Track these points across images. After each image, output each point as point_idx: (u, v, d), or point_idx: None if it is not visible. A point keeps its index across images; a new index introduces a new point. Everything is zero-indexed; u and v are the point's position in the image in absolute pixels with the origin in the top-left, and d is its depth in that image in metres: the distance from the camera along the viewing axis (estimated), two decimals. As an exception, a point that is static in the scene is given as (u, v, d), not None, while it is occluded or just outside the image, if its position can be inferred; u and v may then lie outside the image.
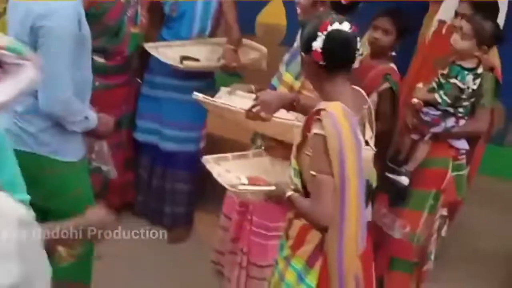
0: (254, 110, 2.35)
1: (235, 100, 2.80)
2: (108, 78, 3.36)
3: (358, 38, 2.02)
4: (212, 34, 3.62)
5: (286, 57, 2.88)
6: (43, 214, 1.97)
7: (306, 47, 2.02)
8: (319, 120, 1.95)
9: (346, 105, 1.98)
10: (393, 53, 2.99)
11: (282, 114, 2.44)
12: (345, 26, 1.98)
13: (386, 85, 2.93)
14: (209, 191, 3.62)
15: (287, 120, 2.50)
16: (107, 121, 2.59)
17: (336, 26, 1.97)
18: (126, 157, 3.73)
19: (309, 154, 1.99)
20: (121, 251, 2.87)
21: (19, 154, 1.66)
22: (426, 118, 2.99)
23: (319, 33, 1.97)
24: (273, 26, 4.45)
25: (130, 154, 3.79)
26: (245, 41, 3.52)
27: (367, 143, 2.16)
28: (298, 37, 2.88)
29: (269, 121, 2.36)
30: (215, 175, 2.53)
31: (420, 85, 3.07)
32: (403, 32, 2.97)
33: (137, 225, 3.43)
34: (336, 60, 2.00)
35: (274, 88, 2.86)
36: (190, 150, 3.66)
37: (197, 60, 3.50)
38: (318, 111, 1.97)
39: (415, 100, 2.99)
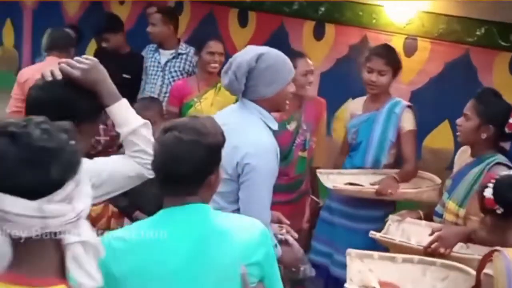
0: (432, 246, 2.48)
1: (406, 228, 2.91)
2: (275, 195, 3.46)
3: None
4: (393, 166, 3.53)
5: (448, 182, 2.92)
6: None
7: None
8: (491, 261, 1.99)
9: None
10: None
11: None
12: None
13: None
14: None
15: (467, 255, 2.53)
16: (295, 253, 2.67)
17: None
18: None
19: None
20: None
21: None
22: None
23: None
24: (440, 150, 4.34)
25: None
26: (421, 173, 3.46)
27: None
28: (455, 162, 3.01)
29: (448, 256, 2.46)
30: (352, 271, 2.43)
31: None
32: None
33: None
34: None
35: (439, 215, 2.89)
36: None
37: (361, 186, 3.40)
38: (492, 252, 2.00)
39: None
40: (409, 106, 3.51)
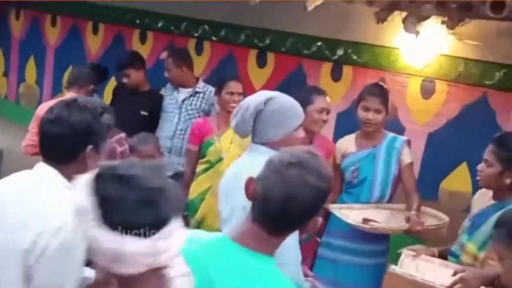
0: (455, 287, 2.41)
1: (419, 264, 2.82)
2: None
3: None
4: (390, 200, 3.60)
5: (467, 223, 2.86)
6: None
7: None
8: None
9: None
10: None
11: None
12: None
13: None
14: None
15: None
16: None
17: None
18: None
19: None
20: None
21: None
22: None
23: None
24: (457, 193, 4.28)
25: None
26: (424, 208, 3.45)
27: None
28: (473, 203, 2.95)
29: None
30: None
31: None
32: None
33: None
34: None
35: (455, 256, 2.84)
36: None
37: (376, 223, 3.41)
38: None
39: None
40: (407, 140, 3.59)
